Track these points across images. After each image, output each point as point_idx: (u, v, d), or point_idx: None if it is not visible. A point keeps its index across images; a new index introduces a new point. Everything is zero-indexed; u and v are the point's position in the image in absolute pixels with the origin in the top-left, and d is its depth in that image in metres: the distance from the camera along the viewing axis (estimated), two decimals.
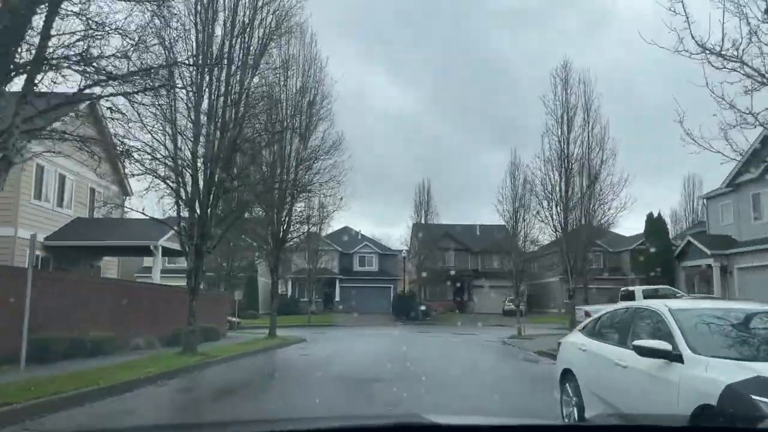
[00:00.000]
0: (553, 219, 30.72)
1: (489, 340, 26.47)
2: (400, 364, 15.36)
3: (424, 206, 48.88)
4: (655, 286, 23.92)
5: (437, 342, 26.06)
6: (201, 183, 15.66)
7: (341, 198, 25.76)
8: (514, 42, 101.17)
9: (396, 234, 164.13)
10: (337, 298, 54.46)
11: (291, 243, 26.92)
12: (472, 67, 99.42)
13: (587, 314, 16.99)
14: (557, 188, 30.69)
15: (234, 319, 38.13)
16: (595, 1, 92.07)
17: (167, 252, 23.14)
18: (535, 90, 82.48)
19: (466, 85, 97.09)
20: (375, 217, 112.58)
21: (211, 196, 15.77)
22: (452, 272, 52.10)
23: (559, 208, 30.13)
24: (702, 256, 31.73)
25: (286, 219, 24.56)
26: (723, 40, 9.22)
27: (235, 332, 30.83)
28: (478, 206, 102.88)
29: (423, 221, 49.07)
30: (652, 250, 34.27)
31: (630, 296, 21.80)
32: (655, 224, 36.24)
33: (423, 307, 48.14)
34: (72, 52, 8.22)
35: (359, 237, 59.82)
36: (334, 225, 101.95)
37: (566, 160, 30.46)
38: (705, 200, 34.10)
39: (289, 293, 53.01)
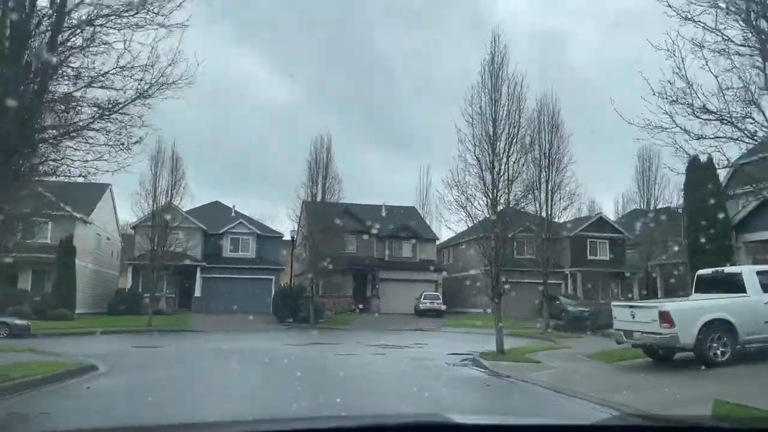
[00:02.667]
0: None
1: (453, 364, 15.80)
2: None
3: (322, 171, 37.53)
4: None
5: (359, 367, 15.07)
6: None
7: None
8: (399, 39, 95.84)
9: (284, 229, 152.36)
10: (198, 293, 41.65)
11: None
12: (355, 61, 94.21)
13: None
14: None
15: (18, 321, 24.90)
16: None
17: None
18: (415, 87, 77.11)
19: (349, 78, 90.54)
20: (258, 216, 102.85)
21: None
22: (353, 260, 41.15)
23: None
24: None
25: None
26: None
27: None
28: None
29: (317, 196, 37.64)
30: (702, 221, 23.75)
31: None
32: (701, 174, 23.97)
33: (314, 306, 36.70)
34: None
35: (232, 214, 47.15)
36: (201, 198, 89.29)
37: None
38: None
39: (129, 285, 39.35)
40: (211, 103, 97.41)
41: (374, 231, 45.43)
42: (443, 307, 41.45)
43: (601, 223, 45.49)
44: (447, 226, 51.11)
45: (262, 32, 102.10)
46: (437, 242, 50.47)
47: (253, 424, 2.42)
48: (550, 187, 30.82)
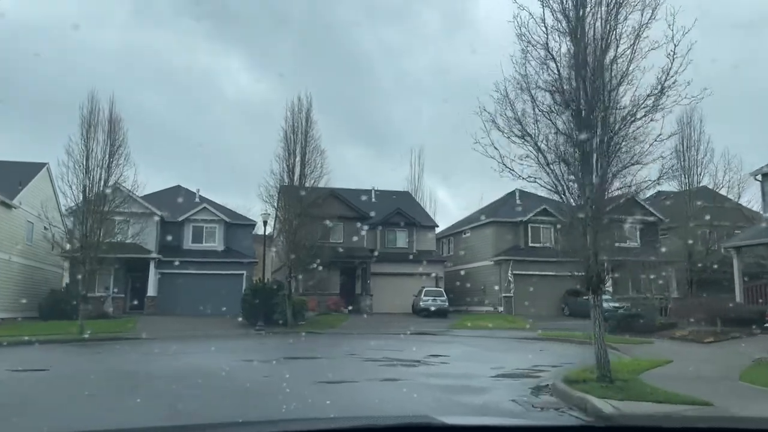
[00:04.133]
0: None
1: (530, 402, 9.25)
2: None
3: (300, 141, 30.76)
4: None
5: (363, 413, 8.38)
6: None
7: None
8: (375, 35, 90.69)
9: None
10: (152, 292, 34.84)
11: None
12: (331, 57, 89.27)
13: None
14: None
15: None
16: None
17: None
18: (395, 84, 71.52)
19: (325, 75, 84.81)
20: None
21: None
22: (340, 252, 34.56)
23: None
24: None
25: None
26: None
27: None
28: None
29: (294, 171, 30.87)
30: None
31: None
32: None
33: (293, 306, 30.10)
34: None
35: (197, 199, 40.29)
36: (161, 182, 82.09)
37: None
38: None
39: (66, 282, 32.38)
40: (187, 101, 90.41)
41: (364, 217, 38.94)
42: (447, 306, 35.07)
43: (630, 204, 39.30)
44: (509, 168, 44.94)
45: (236, 28, 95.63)
46: (437, 231, 44.05)
47: (243, 426, 2.38)
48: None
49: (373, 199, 44.21)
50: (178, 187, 43.53)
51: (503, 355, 16.67)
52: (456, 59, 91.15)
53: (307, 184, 30.72)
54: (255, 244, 41.50)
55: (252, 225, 40.16)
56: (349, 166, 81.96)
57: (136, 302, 35.86)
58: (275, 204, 32.58)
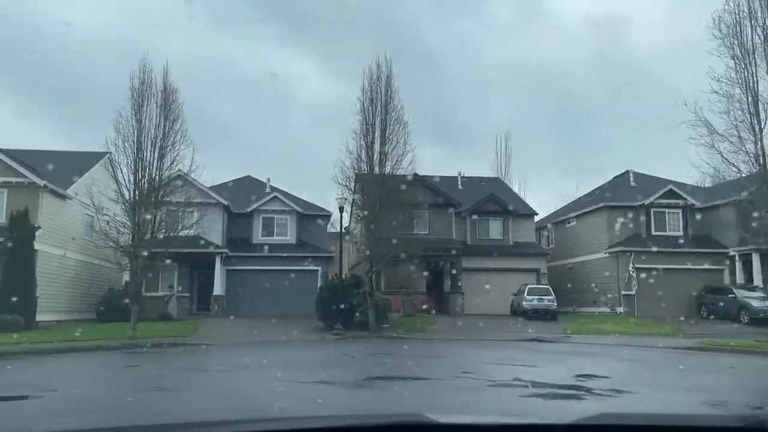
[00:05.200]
0: None
1: None
2: None
3: (380, 113, 26.25)
4: None
5: None
6: None
7: None
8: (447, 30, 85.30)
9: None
10: (219, 290, 31.38)
11: None
12: (403, 54, 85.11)
13: None
14: None
15: None
16: None
17: None
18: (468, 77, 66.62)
19: (399, 74, 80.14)
20: None
21: None
22: (426, 244, 29.88)
23: None
24: None
25: None
26: None
27: None
28: None
29: (373, 148, 26.35)
30: None
31: None
32: None
33: (376, 306, 25.70)
34: None
35: (267, 189, 36.76)
36: (228, 173, 79.96)
37: None
38: None
39: (123, 281, 29.37)
40: (258, 105, 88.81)
41: (453, 205, 34.15)
42: (556, 306, 29.71)
43: None
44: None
45: (307, 30, 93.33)
46: (536, 219, 38.56)
47: (233, 425, 2.38)
48: None
49: (460, 186, 39.31)
50: (248, 177, 40.28)
51: (697, 375, 11.52)
52: (530, 48, 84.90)
53: (388, 164, 26.25)
54: (330, 235, 37.58)
55: (327, 216, 36.20)
56: (426, 162, 77.34)
57: (202, 302, 32.67)
58: (352, 188, 28.32)
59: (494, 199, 35.64)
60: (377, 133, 26.31)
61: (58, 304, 26.93)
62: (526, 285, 30.87)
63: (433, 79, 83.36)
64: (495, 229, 35.55)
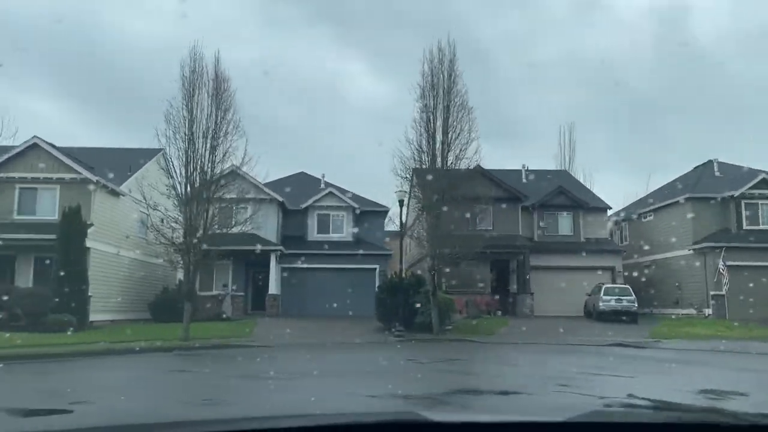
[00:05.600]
0: None
1: None
2: None
3: (442, 99, 24.46)
4: None
5: None
6: None
7: None
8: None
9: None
10: (274, 290, 30.26)
11: None
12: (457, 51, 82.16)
13: None
14: None
15: None
16: None
17: None
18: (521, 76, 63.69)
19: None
20: None
21: None
22: (490, 241, 27.88)
23: None
24: None
25: None
26: None
27: None
28: None
29: (437, 147, 24.51)
30: None
31: None
32: None
33: (438, 307, 23.98)
34: None
35: (321, 185, 35.53)
36: (282, 169, 79.43)
37: None
38: None
39: (177, 279, 28.62)
40: (312, 106, 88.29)
41: (519, 199, 32.07)
42: (636, 307, 27.23)
43: None
44: None
45: (357, 31, 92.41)
46: (608, 212, 35.93)
47: (224, 423, 2.42)
48: None
49: (524, 180, 37.05)
50: (302, 173, 39.22)
51: None
52: (588, 40, 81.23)
53: (451, 155, 24.43)
54: (387, 233, 36.08)
55: (384, 212, 34.69)
56: (485, 157, 74.78)
57: (257, 301, 31.69)
58: (412, 181, 26.65)
59: (563, 191, 33.29)
60: (439, 122, 24.54)
61: (111, 303, 26.31)
62: (603, 284, 28.47)
63: (487, 74, 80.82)
64: (564, 224, 33.19)
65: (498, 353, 18.29)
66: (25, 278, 24.41)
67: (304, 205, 33.23)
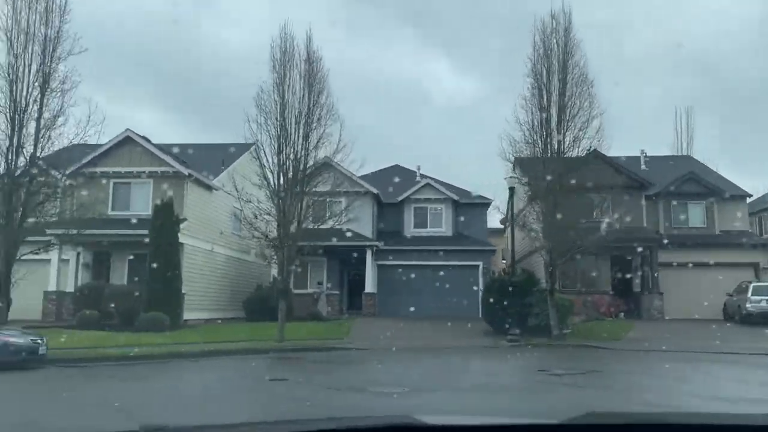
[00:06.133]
0: None
1: None
2: None
3: (557, 71, 21.68)
4: None
5: None
6: None
7: None
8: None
9: None
10: (371, 288, 28.50)
11: None
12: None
13: None
14: None
15: (15, 339, 12.51)
16: None
17: None
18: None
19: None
20: None
21: None
22: (611, 234, 24.59)
23: None
24: None
25: None
26: None
27: None
28: None
29: (552, 126, 21.72)
30: None
31: None
32: None
33: (555, 308, 21.25)
34: None
35: (417, 177, 33.47)
36: (376, 162, 77.89)
37: None
38: None
39: (271, 277, 27.55)
40: (396, 107, 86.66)
41: (643, 186, 28.61)
42: None
43: None
44: None
45: (440, 31, 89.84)
46: (748, 201, 31.48)
47: (219, 429, 2.49)
48: None
49: (643, 166, 33.25)
50: (396, 166, 37.34)
51: None
52: (691, 28, 74.10)
53: (569, 134, 21.59)
54: (490, 227, 33.50)
55: (486, 204, 32.08)
56: None
57: (352, 300, 30.12)
58: (514, 168, 23.97)
59: (694, 177, 29.31)
60: (554, 96, 21.75)
61: (205, 301, 25.49)
62: (750, 283, 24.52)
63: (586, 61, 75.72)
64: (696, 214, 29.21)
65: (640, 363, 15.43)
66: (119, 275, 23.97)
67: (400, 198, 31.28)
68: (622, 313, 26.45)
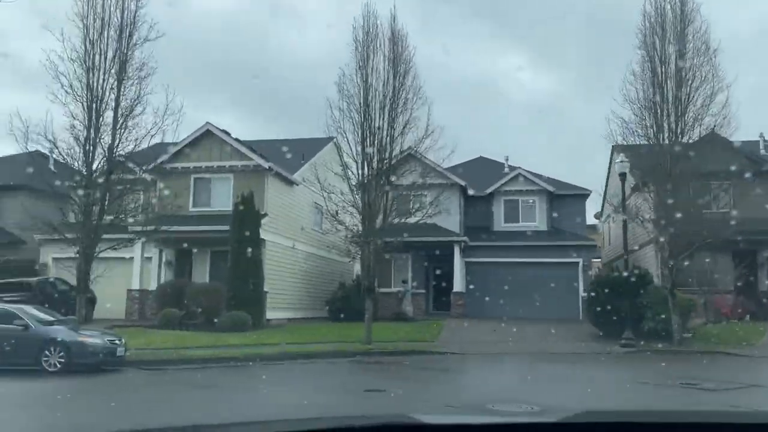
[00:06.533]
0: None
1: None
2: None
3: (675, 50, 19.03)
4: None
5: None
6: None
7: None
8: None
9: None
10: (459, 287, 26.65)
11: None
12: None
13: None
14: None
15: (92, 339, 11.43)
16: None
17: None
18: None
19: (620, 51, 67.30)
20: None
21: None
22: (732, 225, 21.56)
23: None
24: None
25: None
26: None
27: None
28: None
29: (670, 104, 19.08)
30: None
31: None
32: None
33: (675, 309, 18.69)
34: None
35: (506, 169, 31.30)
36: (463, 154, 76.04)
37: None
38: None
39: (355, 275, 26.22)
40: (469, 105, 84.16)
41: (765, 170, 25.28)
42: None
43: None
44: None
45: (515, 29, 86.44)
46: None
47: (213, 428, 2.44)
48: None
49: (762, 151, 29.64)
50: (480, 158, 35.25)
51: None
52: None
53: (690, 110, 18.96)
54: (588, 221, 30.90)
55: (584, 195, 29.52)
56: None
57: (438, 299, 28.37)
58: (622, 152, 21.41)
59: None
60: (671, 70, 19.16)
61: (287, 300, 24.48)
62: None
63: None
64: None
65: None
66: (201, 273, 23.32)
67: (488, 191, 29.25)
68: (748, 315, 23.34)
